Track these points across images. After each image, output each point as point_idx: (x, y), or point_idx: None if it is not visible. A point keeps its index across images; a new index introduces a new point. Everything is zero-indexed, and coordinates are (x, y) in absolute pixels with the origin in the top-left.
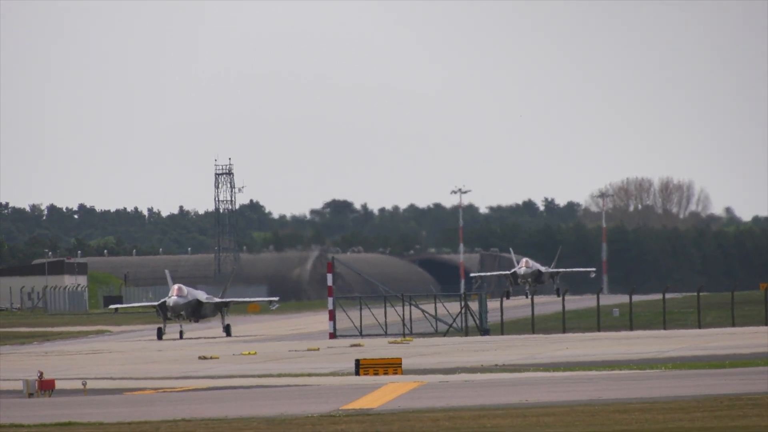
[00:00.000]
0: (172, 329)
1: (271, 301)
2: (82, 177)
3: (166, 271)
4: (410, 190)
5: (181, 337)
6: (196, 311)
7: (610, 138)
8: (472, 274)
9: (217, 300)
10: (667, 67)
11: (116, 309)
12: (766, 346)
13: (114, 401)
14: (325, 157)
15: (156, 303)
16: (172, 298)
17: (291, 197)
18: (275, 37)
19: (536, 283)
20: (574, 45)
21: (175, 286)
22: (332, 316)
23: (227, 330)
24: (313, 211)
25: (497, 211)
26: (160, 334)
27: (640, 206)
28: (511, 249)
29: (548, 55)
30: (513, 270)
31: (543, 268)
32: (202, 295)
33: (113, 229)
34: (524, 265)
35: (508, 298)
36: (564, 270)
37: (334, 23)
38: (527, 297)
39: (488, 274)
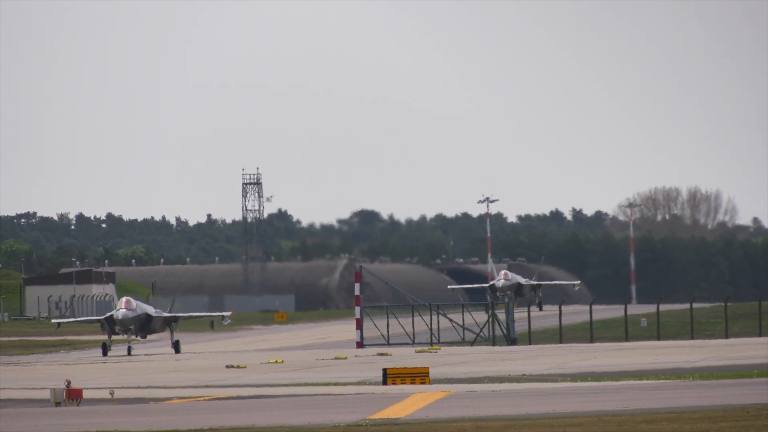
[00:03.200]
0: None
1: (223, 317)
2: (111, 186)
3: (111, 285)
4: (437, 200)
5: (129, 354)
6: (144, 326)
7: (638, 148)
8: (449, 287)
9: (167, 314)
10: (695, 78)
11: (59, 324)
12: None
13: (142, 410)
14: (353, 167)
15: (102, 317)
16: (120, 312)
17: (319, 206)
18: (305, 50)
19: (517, 296)
20: (602, 57)
21: (123, 299)
22: (360, 325)
23: (176, 346)
24: (340, 221)
25: (525, 221)
26: (105, 350)
27: (667, 216)
28: (490, 258)
29: (576, 67)
30: (492, 283)
31: (524, 281)
32: (151, 309)
33: (141, 238)
34: (503, 277)
35: (487, 312)
36: (546, 283)
37: (363, 40)
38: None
39: (465, 286)
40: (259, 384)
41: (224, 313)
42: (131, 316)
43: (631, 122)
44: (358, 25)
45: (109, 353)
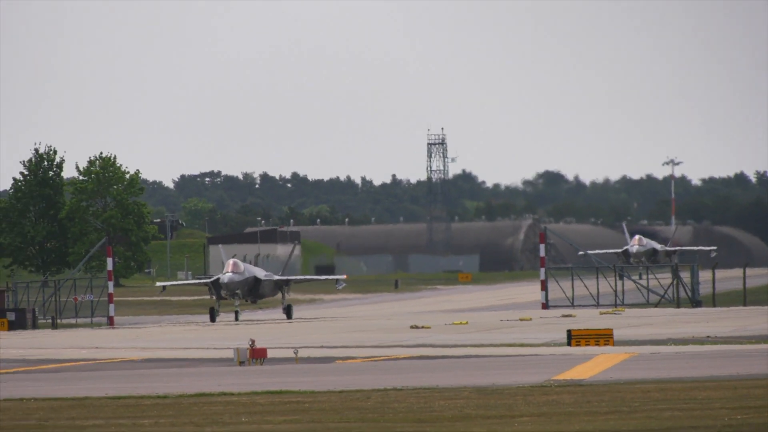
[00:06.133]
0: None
1: (337, 280)
2: (296, 146)
3: (220, 246)
4: (622, 161)
5: (236, 319)
6: (253, 290)
7: None
8: (580, 252)
9: (277, 278)
10: None
11: (164, 287)
12: None
13: (325, 370)
14: (538, 128)
15: (208, 280)
16: (226, 275)
17: (503, 167)
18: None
19: (651, 262)
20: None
21: (230, 261)
22: (544, 287)
23: (288, 311)
24: (525, 182)
25: (709, 183)
26: (213, 315)
27: None
28: (624, 224)
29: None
30: (625, 248)
31: (658, 246)
32: (260, 272)
33: (326, 198)
34: (637, 242)
35: (621, 279)
36: (681, 248)
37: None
38: (640, 278)
39: (598, 252)
40: (444, 344)
41: (338, 277)
42: (238, 280)
43: None
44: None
45: (218, 318)
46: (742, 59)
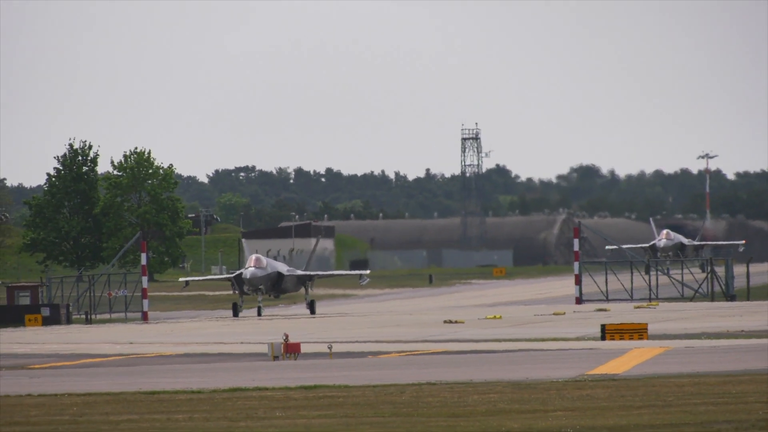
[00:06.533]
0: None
1: (360, 276)
2: (330, 141)
3: (244, 241)
4: (657, 156)
5: (259, 315)
6: (276, 285)
7: None
8: (607, 247)
9: (300, 273)
10: None
11: (187, 282)
12: None
13: (359, 364)
14: (572, 122)
15: (231, 275)
16: (249, 270)
17: (537, 161)
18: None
19: (681, 256)
20: None
21: (253, 257)
22: (578, 281)
23: (311, 306)
24: (559, 176)
25: (744, 177)
26: (235, 310)
27: None
28: (651, 220)
29: None
30: (652, 242)
31: (686, 241)
32: (283, 267)
33: (360, 192)
34: (665, 237)
35: (647, 273)
36: (710, 243)
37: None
38: (668, 272)
39: (625, 246)
40: (477, 339)
41: (362, 272)
42: (260, 275)
43: None
44: None
45: (240, 314)
46: None
